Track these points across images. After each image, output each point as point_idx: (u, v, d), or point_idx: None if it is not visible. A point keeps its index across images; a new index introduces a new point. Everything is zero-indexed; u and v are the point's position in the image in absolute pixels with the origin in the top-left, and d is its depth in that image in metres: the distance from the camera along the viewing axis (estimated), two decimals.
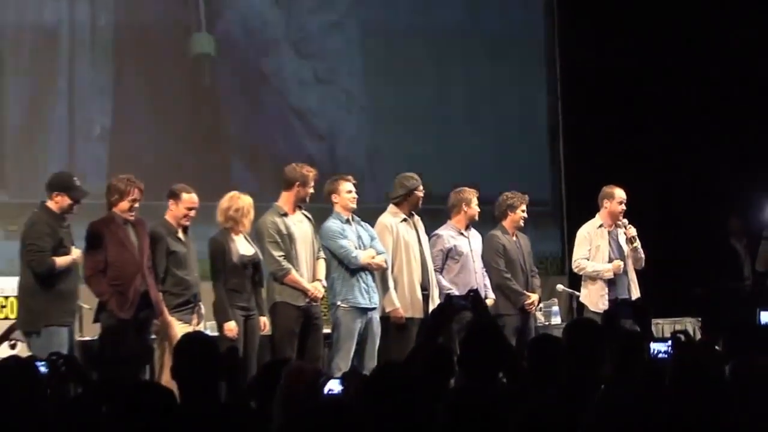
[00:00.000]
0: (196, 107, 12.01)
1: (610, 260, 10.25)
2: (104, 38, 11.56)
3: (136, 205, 8.74)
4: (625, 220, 10.31)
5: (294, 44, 12.56)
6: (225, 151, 12.08)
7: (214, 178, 11.10)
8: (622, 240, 10.35)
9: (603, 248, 10.29)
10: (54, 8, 11.37)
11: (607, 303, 10.05)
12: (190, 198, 9.01)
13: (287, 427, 4.49)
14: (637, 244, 10.28)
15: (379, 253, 9.42)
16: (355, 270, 9.34)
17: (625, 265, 10.27)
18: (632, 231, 10.29)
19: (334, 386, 5.14)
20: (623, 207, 10.35)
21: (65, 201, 8.58)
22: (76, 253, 8.59)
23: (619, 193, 10.39)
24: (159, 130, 11.62)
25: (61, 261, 8.48)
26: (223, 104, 12.16)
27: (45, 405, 4.83)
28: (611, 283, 10.19)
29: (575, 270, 10.39)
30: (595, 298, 10.22)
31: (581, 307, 10.39)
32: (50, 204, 8.60)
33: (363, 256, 9.35)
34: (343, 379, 5.19)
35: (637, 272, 10.43)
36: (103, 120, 11.51)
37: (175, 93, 11.83)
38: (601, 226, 10.39)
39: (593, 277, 10.26)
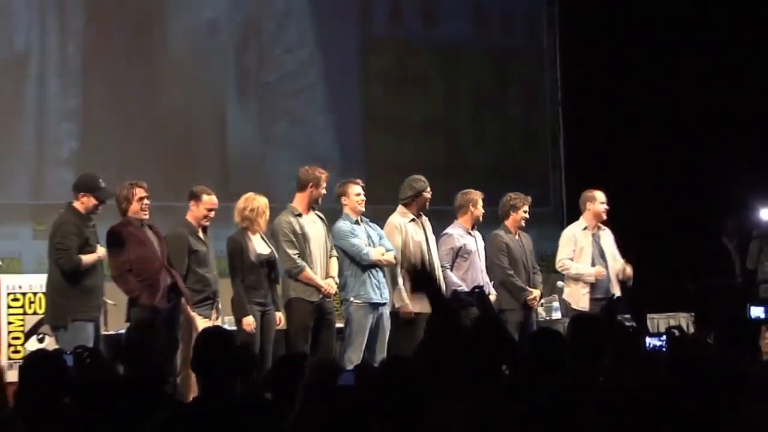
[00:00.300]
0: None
1: (593, 261, 10.25)
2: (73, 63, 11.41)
3: (146, 202, 8.73)
4: (628, 267, 10.30)
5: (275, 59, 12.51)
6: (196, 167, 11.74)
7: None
8: (604, 242, 10.35)
9: (586, 250, 10.29)
10: (25, 35, 11.23)
11: (587, 302, 10.10)
12: (210, 199, 9.03)
13: (303, 414, 4.52)
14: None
15: (388, 251, 9.45)
16: (366, 267, 9.35)
17: (607, 266, 10.28)
18: (630, 270, 10.29)
19: (347, 379, 5.16)
20: (605, 207, 10.37)
21: (91, 201, 8.59)
22: (101, 251, 8.60)
23: (600, 196, 10.42)
24: (125, 150, 11.32)
25: (87, 259, 8.49)
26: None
27: (70, 395, 4.86)
28: (592, 283, 10.21)
29: (558, 269, 10.37)
30: (576, 297, 10.23)
31: (564, 304, 10.47)
32: (77, 204, 8.60)
33: (374, 253, 9.38)
34: (356, 371, 5.21)
35: (636, 268, 10.45)
36: (71, 143, 11.37)
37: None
38: (585, 228, 10.41)
39: (575, 278, 10.27)
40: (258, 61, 12.37)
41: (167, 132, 11.67)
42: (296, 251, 9.17)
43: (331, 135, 12.60)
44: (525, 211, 10.24)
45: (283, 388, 5.24)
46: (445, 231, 10.01)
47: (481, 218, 10.09)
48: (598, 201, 10.41)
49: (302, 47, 12.60)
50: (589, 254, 10.28)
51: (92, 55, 11.37)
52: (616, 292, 10.25)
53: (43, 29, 11.28)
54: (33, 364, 4.91)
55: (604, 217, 10.37)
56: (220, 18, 12.14)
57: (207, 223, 9.02)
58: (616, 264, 10.35)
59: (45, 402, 4.66)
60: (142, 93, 11.62)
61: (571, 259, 10.27)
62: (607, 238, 10.41)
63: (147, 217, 8.78)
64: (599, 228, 10.40)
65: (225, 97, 12.16)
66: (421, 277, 4.39)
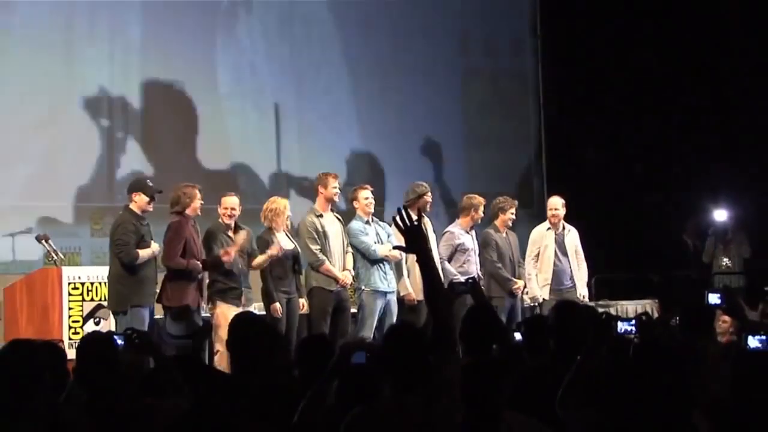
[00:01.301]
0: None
1: (556, 255, 10.17)
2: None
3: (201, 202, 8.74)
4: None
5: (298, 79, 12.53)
6: None
7: None
8: (568, 240, 10.27)
9: (550, 247, 10.24)
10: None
11: (548, 292, 10.04)
12: (228, 201, 8.98)
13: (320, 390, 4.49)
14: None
15: (394, 248, 9.41)
16: (375, 261, 9.35)
17: (568, 261, 10.21)
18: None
19: (359, 357, 5.13)
20: (553, 212, 10.27)
21: (143, 199, 8.57)
22: (154, 246, 8.60)
23: (552, 202, 10.38)
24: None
25: (143, 253, 8.48)
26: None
27: (121, 372, 4.83)
28: (554, 276, 10.16)
29: (525, 266, 10.31)
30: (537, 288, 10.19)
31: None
32: (132, 206, 8.60)
33: (381, 250, 9.36)
34: (367, 350, 5.16)
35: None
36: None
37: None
38: (549, 228, 10.37)
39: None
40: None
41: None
42: (318, 247, 9.17)
43: None
44: (512, 213, 10.21)
45: (307, 365, 5.21)
46: (447, 228, 10.01)
47: (479, 221, 10.06)
48: (550, 206, 10.36)
49: None
50: (552, 250, 10.22)
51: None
52: (580, 284, 10.21)
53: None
54: (88, 344, 4.87)
55: (556, 220, 10.28)
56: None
57: (229, 221, 8.94)
58: (578, 259, 10.28)
59: (99, 376, 4.62)
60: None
61: (537, 256, 10.17)
62: (572, 236, 10.34)
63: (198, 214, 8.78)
64: (564, 228, 10.34)
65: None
66: (412, 231, 4.25)
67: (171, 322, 8.43)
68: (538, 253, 10.21)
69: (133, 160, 11.47)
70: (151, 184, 8.68)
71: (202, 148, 11.90)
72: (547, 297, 10.00)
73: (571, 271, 10.20)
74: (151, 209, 8.65)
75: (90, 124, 11.38)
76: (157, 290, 8.68)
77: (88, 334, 5.65)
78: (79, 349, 4.82)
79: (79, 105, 11.32)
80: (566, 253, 10.24)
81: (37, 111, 11.01)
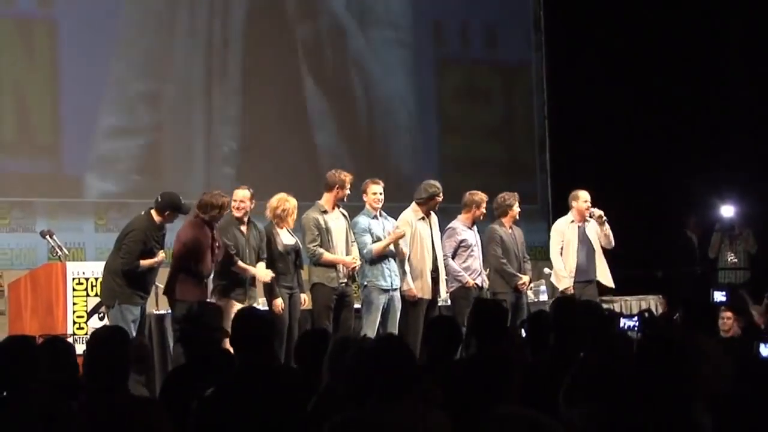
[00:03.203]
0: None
1: (578, 249, 10.21)
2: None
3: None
4: (593, 209, 10.31)
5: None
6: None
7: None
8: (589, 232, 10.33)
9: (573, 241, 10.28)
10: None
11: (572, 285, 10.09)
12: (238, 194, 8.95)
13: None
14: (606, 224, 10.28)
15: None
16: (380, 258, 9.36)
17: (594, 253, 10.25)
18: (598, 212, 10.29)
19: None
20: (588, 204, 10.35)
21: (173, 217, 8.56)
22: (161, 256, 8.57)
23: (584, 195, 10.40)
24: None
25: (144, 263, 8.44)
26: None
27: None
28: (578, 269, 10.20)
29: (553, 259, 10.36)
30: (560, 279, 10.25)
31: (551, 286, 10.49)
32: (154, 214, 8.52)
33: (375, 247, 9.36)
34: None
35: (612, 257, 10.44)
36: (231, 144, 11.74)
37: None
38: (572, 221, 10.40)
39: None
40: None
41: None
42: (316, 242, 9.16)
43: None
44: (518, 208, 10.20)
45: (306, 359, 5.25)
46: (450, 225, 10.00)
47: (481, 218, 10.07)
48: (581, 200, 10.39)
49: None
50: (575, 243, 10.26)
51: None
52: (605, 278, 10.27)
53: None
54: (102, 335, 4.81)
55: (587, 214, 10.33)
56: None
57: (238, 214, 8.93)
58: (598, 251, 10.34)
59: (113, 368, 4.57)
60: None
61: (561, 248, 10.22)
62: (591, 228, 10.37)
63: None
64: (585, 221, 10.37)
65: None
66: None
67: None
68: (562, 247, 10.25)
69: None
70: (184, 203, 8.59)
71: None
72: (570, 289, 10.05)
73: (594, 262, 10.22)
74: (171, 222, 8.65)
75: None
76: (157, 286, 8.72)
77: (100, 327, 5.66)
78: (91, 341, 4.75)
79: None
80: (589, 245, 10.27)
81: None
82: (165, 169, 11.49)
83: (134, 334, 8.16)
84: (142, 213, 8.64)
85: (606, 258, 10.41)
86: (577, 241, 10.27)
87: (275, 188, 9.34)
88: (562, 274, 10.16)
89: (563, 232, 10.32)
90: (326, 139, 12.43)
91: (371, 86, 12.85)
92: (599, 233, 10.31)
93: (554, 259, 10.26)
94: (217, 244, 8.69)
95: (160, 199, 8.58)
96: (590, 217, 10.29)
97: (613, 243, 10.32)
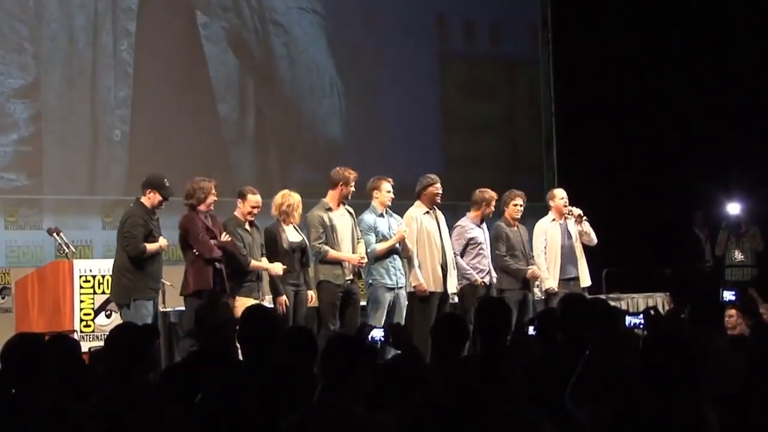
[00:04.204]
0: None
1: (562, 246, 10.19)
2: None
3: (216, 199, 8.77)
4: (570, 207, 10.29)
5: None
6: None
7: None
8: (571, 229, 10.30)
9: (557, 238, 10.26)
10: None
11: (557, 285, 10.06)
12: (254, 199, 9.01)
13: None
14: (586, 223, 10.26)
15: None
16: (386, 255, 9.36)
17: (572, 248, 10.24)
18: (577, 211, 10.27)
19: (376, 334, 5.14)
20: (565, 201, 10.32)
21: (156, 198, 8.58)
22: (162, 241, 8.60)
23: (559, 192, 10.42)
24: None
25: (150, 247, 8.47)
26: None
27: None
28: (562, 266, 10.18)
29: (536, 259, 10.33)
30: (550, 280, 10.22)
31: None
32: (144, 200, 8.60)
33: (379, 248, 9.36)
34: (386, 330, 5.17)
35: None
36: (123, 127, 11.46)
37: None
38: (553, 219, 10.38)
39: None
40: None
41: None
42: (321, 240, 9.17)
43: None
44: (515, 205, 10.16)
45: (295, 356, 5.20)
46: (458, 223, 10.01)
47: (490, 215, 10.07)
48: (557, 197, 10.38)
49: None
50: (558, 240, 10.24)
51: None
52: (583, 275, 10.24)
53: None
54: (130, 333, 4.77)
55: (565, 210, 10.30)
56: None
57: (251, 218, 8.99)
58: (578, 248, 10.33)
59: (139, 367, 4.55)
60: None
61: (545, 246, 10.20)
62: (573, 225, 10.35)
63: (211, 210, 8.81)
64: (565, 217, 10.35)
65: None
66: (398, 333, 4.59)
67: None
68: (545, 246, 10.23)
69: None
70: (168, 184, 8.64)
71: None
72: (557, 288, 10.02)
73: (576, 259, 10.22)
74: (162, 208, 8.67)
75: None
76: (163, 283, 8.72)
77: (122, 323, 5.66)
78: (110, 338, 4.72)
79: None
80: (570, 242, 10.26)
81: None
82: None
83: None
84: (131, 204, 8.71)
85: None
86: (560, 238, 10.26)
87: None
88: (545, 275, 10.14)
89: (546, 231, 10.30)
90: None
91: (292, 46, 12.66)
92: (580, 231, 10.28)
93: (537, 259, 10.23)
94: (218, 230, 8.73)
95: (144, 180, 8.69)
96: (569, 215, 10.26)
97: (594, 240, 10.30)
